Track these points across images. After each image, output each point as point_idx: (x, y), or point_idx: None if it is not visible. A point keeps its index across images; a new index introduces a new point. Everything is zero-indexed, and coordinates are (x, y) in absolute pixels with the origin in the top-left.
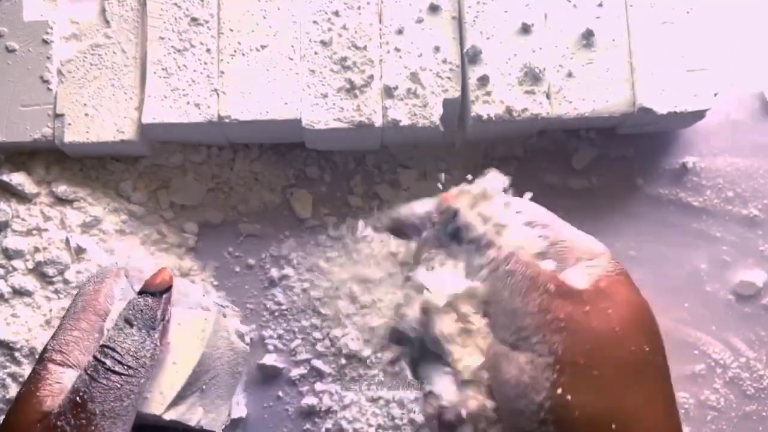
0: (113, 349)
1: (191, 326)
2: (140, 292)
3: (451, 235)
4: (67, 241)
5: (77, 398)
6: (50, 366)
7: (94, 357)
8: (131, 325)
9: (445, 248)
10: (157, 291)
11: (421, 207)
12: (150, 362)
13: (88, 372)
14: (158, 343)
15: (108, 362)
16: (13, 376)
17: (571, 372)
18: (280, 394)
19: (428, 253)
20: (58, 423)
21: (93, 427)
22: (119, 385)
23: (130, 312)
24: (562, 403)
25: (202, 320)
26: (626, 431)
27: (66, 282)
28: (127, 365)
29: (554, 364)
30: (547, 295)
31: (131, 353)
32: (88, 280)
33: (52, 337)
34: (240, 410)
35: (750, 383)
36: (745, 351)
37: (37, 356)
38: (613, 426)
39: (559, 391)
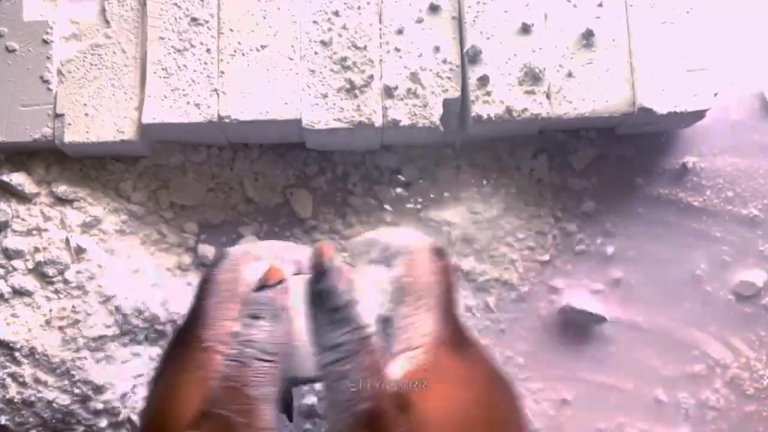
0: (250, 341)
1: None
2: (258, 289)
3: (316, 297)
4: (67, 241)
5: (232, 384)
6: (215, 356)
7: (236, 349)
8: (258, 319)
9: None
10: (273, 284)
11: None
12: (285, 348)
13: (239, 359)
14: (286, 330)
15: (250, 351)
16: (13, 376)
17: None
18: None
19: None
20: (214, 411)
21: (257, 410)
22: (266, 371)
23: (254, 308)
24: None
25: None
26: None
27: (66, 282)
28: (269, 352)
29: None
30: (357, 416)
31: (269, 342)
32: (221, 269)
33: (205, 329)
34: None
35: (750, 383)
36: (745, 351)
37: (37, 356)
38: None
39: None
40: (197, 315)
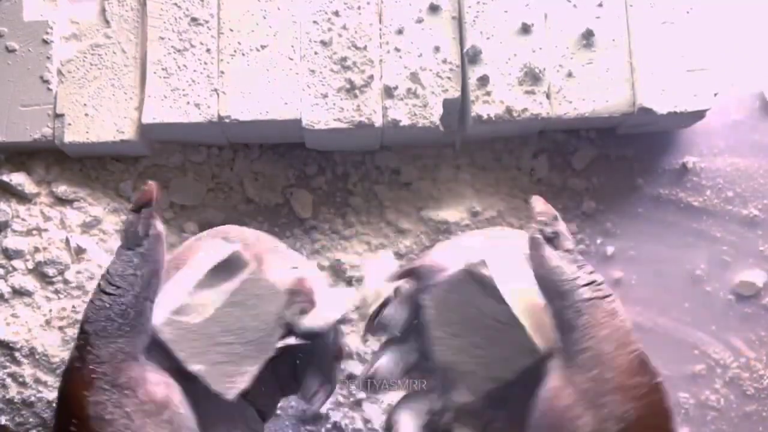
0: (108, 272)
1: None
2: (131, 208)
3: (548, 240)
4: (67, 241)
5: (81, 320)
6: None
7: (98, 280)
8: (123, 248)
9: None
10: (138, 206)
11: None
12: (139, 280)
13: (91, 295)
14: (148, 259)
15: (102, 283)
16: (13, 376)
17: None
18: None
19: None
20: (76, 344)
21: (89, 347)
22: (108, 305)
23: (122, 236)
24: None
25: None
26: None
27: (66, 282)
28: (115, 285)
29: (623, 431)
30: (636, 356)
31: (118, 273)
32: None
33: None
34: None
35: (750, 383)
36: (745, 351)
37: (37, 356)
38: None
39: None
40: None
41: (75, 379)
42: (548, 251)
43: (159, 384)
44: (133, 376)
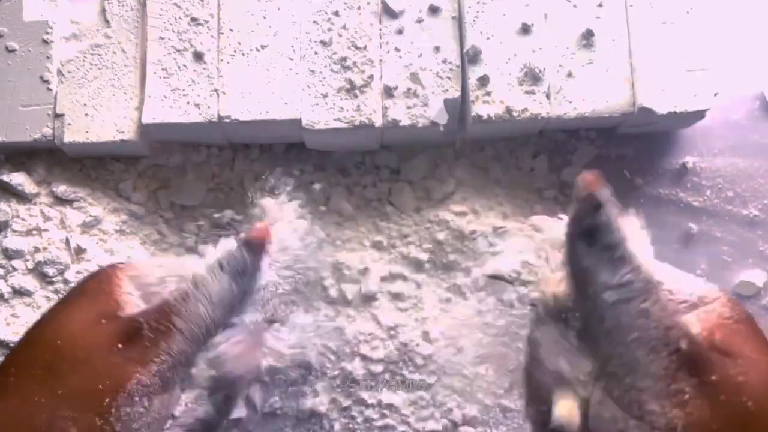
0: (204, 285)
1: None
2: (240, 241)
3: (585, 233)
4: (67, 241)
5: (165, 307)
6: (119, 273)
7: (187, 284)
8: (222, 269)
9: (569, 251)
10: (254, 246)
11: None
12: (230, 306)
13: (181, 294)
14: (244, 291)
15: (198, 293)
16: None
17: None
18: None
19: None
20: (139, 320)
21: (170, 338)
22: (203, 314)
23: (225, 258)
24: None
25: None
26: None
27: (66, 282)
28: (212, 302)
29: None
30: (677, 358)
31: (218, 295)
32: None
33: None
34: (239, 411)
35: None
36: None
37: None
38: None
39: None
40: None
41: (128, 351)
42: (580, 249)
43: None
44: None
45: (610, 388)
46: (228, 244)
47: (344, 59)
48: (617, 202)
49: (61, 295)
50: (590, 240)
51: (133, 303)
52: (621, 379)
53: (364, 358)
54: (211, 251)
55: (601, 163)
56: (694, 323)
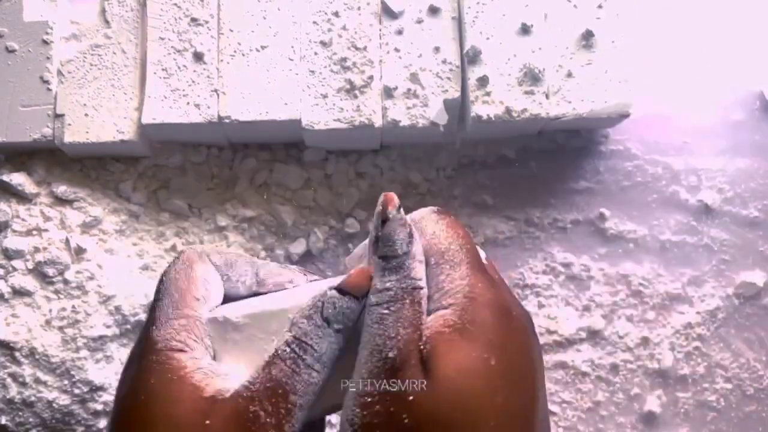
0: (311, 347)
1: None
2: (339, 290)
3: (375, 242)
4: (67, 241)
5: (278, 388)
6: (176, 355)
7: (292, 350)
8: (329, 324)
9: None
10: (359, 294)
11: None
12: (339, 361)
13: (288, 365)
14: (348, 343)
15: (308, 359)
16: (13, 376)
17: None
18: None
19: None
20: (252, 408)
21: (292, 418)
22: (317, 382)
23: (330, 311)
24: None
25: None
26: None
27: (66, 282)
28: (324, 365)
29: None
30: (383, 364)
31: (328, 354)
32: (175, 268)
33: (155, 328)
34: None
35: (750, 383)
36: (745, 351)
37: (37, 356)
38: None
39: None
40: (150, 316)
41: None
42: (370, 255)
43: None
44: None
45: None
46: (318, 290)
47: (344, 60)
48: (408, 221)
49: (61, 296)
50: (378, 248)
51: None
52: (361, 375)
53: None
54: (299, 295)
55: (601, 162)
56: (431, 325)
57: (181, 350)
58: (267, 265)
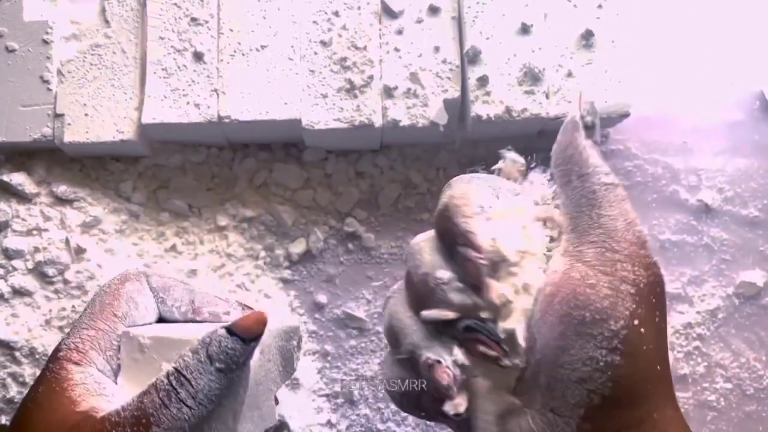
0: (189, 382)
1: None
2: (228, 329)
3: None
4: (67, 241)
5: (142, 418)
6: (69, 366)
7: (168, 381)
8: (211, 363)
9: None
10: (248, 338)
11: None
12: (218, 401)
13: (160, 396)
14: (231, 384)
15: (182, 393)
16: (13, 376)
17: (647, 307)
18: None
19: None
20: (108, 425)
21: None
22: (186, 418)
23: (215, 349)
24: (637, 334)
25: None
26: (665, 370)
27: (66, 282)
28: (199, 402)
29: (635, 295)
30: (643, 235)
31: (205, 392)
32: (109, 282)
33: (67, 336)
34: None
35: (750, 383)
36: (745, 351)
37: (37, 356)
38: (658, 368)
39: (636, 322)
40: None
41: None
42: (582, 135)
43: None
44: None
45: (584, 255)
46: (211, 327)
47: (344, 59)
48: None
49: (61, 296)
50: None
51: (93, 397)
52: (599, 245)
53: None
54: (202, 329)
55: None
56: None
57: (76, 362)
58: (205, 294)
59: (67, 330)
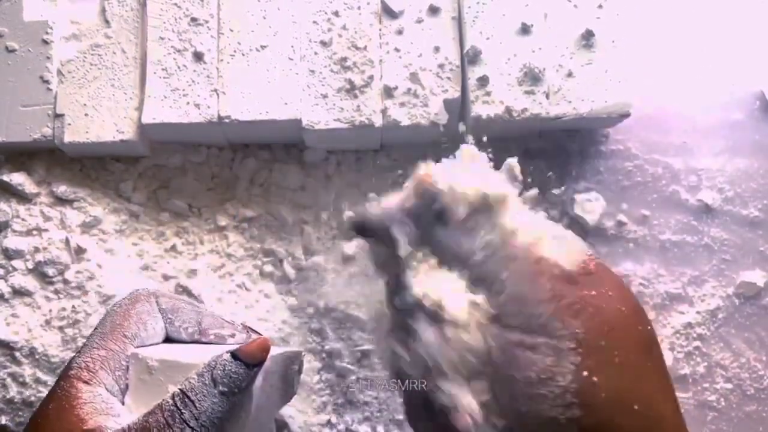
0: (193, 403)
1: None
2: (233, 355)
3: (435, 218)
4: (67, 241)
5: None
6: (79, 384)
7: (173, 402)
8: (215, 386)
9: (427, 240)
10: (251, 363)
11: (390, 200)
12: (220, 423)
13: (165, 416)
14: (233, 408)
15: (186, 414)
16: (13, 376)
17: (596, 354)
18: None
19: (412, 255)
20: None
21: None
22: None
23: (219, 373)
24: (589, 385)
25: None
26: (648, 409)
27: (66, 282)
28: (201, 423)
29: (577, 347)
30: (556, 281)
31: (208, 414)
32: (119, 302)
33: (77, 355)
34: None
35: (750, 383)
36: (745, 351)
37: (37, 356)
38: (635, 406)
39: (585, 373)
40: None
41: None
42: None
43: None
44: None
45: (511, 326)
46: (216, 352)
47: (344, 59)
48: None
49: (61, 296)
50: (442, 223)
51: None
52: (517, 314)
53: None
54: (209, 353)
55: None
56: (563, 257)
57: (86, 381)
58: (212, 316)
59: (67, 330)
